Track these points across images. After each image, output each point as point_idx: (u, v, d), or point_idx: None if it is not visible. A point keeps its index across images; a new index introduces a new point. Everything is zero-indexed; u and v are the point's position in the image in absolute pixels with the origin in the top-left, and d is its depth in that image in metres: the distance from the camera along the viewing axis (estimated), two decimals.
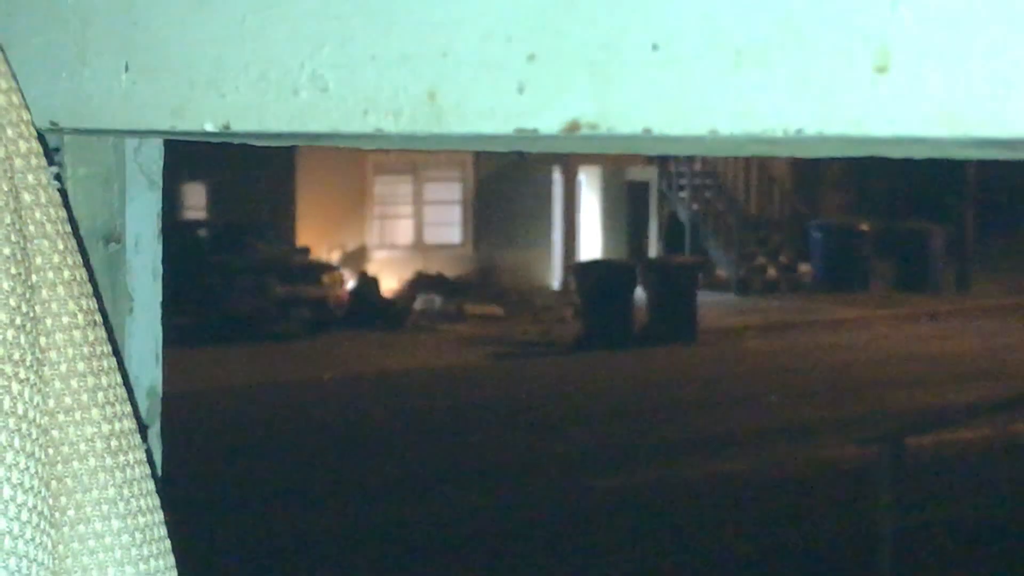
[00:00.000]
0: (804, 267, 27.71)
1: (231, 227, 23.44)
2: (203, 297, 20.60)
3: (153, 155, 1.48)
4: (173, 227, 20.31)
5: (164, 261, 1.53)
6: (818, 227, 27.66)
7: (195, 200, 24.94)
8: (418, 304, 23.32)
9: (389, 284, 24.01)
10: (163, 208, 1.53)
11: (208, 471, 11.64)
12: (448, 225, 26.37)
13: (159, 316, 1.52)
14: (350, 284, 23.10)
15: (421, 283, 24.25)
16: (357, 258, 24.65)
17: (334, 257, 24.29)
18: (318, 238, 24.36)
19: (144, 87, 1.17)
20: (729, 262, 26.96)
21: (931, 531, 10.06)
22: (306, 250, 23.83)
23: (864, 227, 27.60)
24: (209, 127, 1.11)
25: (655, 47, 0.84)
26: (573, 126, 0.89)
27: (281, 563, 9.56)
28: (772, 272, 27.31)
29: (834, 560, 9.70)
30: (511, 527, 10.57)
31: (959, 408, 14.67)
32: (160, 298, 1.53)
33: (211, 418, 14.04)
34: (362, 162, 24.97)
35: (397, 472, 12.20)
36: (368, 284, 23.36)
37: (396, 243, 25.68)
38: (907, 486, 9.47)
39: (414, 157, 25.43)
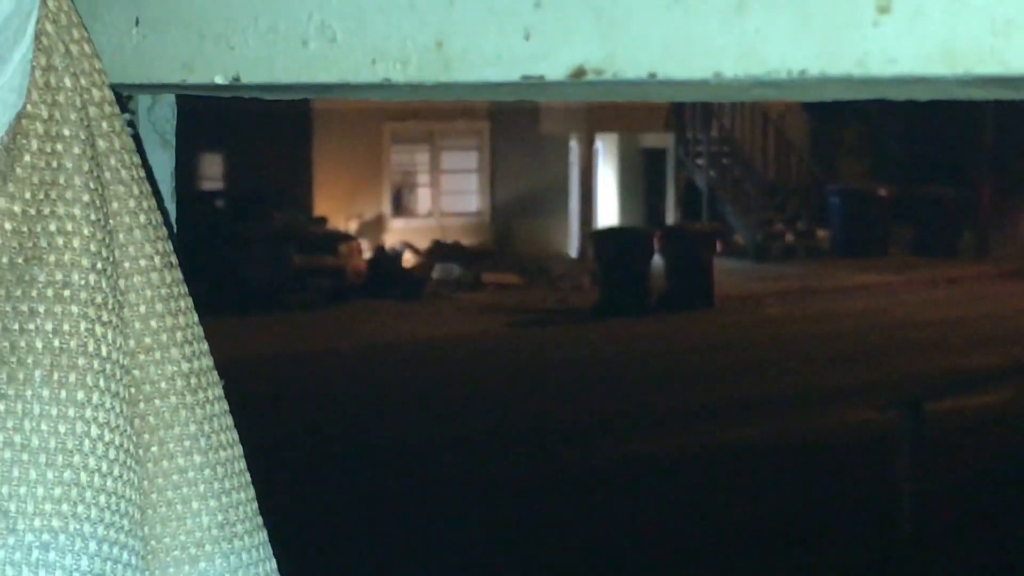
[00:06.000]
0: (822, 233, 27.65)
1: (248, 197, 23.46)
2: (220, 267, 20.61)
3: (166, 114, 1.49)
4: (190, 197, 20.32)
5: (180, 230, 1.54)
6: (836, 192, 27.59)
7: (212, 170, 24.95)
8: (436, 273, 23.32)
9: (406, 253, 24.01)
10: (180, 178, 1.54)
11: None
12: (465, 194, 26.34)
13: None
14: (367, 254, 23.10)
15: (439, 252, 24.24)
16: (374, 227, 24.64)
17: (352, 227, 24.29)
18: (335, 207, 24.36)
19: (154, 41, 1.18)
20: (747, 228, 26.91)
21: (950, 495, 10.06)
22: (323, 220, 23.83)
23: (882, 192, 27.54)
24: (219, 80, 1.12)
25: None
26: (579, 72, 0.89)
27: (295, 534, 9.59)
28: (790, 238, 27.26)
29: (854, 525, 9.71)
30: (527, 495, 10.59)
31: (978, 372, 14.66)
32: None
33: (227, 388, 14.06)
34: (379, 131, 24.95)
35: (415, 441, 12.23)
36: (385, 253, 23.37)
37: (413, 212, 25.67)
38: (926, 451, 9.47)
39: (431, 126, 25.39)
